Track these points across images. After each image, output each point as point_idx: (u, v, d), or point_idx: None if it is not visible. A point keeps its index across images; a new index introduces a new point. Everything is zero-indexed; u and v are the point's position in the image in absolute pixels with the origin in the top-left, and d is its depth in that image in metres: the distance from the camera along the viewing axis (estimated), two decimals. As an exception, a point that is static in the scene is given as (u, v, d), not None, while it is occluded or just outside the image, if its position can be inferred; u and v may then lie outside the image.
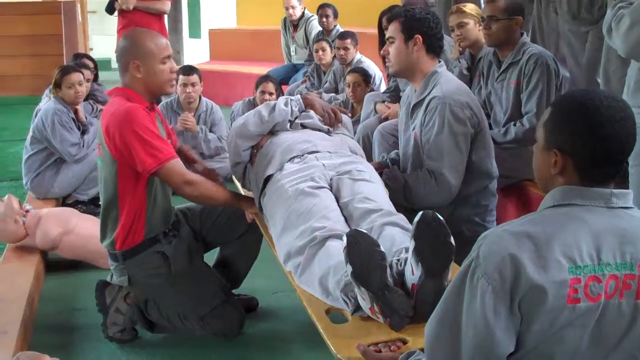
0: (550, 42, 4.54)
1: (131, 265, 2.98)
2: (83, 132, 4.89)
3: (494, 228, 1.56)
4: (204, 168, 3.33)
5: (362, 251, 2.10)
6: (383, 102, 4.82)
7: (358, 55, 6.11)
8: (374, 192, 2.74)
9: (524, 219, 1.56)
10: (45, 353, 2.17)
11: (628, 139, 1.53)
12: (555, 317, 1.45)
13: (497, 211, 3.42)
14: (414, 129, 3.20)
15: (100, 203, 3.12)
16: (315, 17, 7.57)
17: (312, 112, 3.31)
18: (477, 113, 3.13)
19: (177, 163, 2.88)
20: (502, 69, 3.88)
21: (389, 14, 4.17)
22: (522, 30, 3.86)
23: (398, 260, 2.24)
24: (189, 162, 3.32)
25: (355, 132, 4.16)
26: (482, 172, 3.22)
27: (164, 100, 5.66)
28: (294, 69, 7.99)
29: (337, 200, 2.73)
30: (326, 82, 6.56)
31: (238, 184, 3.55)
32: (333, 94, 6.10)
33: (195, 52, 11.58)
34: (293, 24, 7.95)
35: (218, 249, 3.42)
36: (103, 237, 3.02)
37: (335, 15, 7.31)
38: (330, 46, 6.51)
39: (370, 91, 5.35)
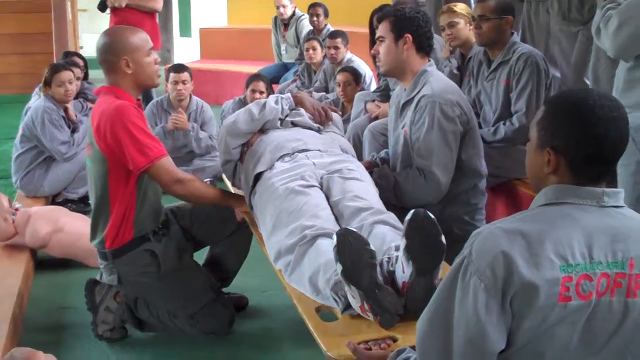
0: (539, 41, 4.56)
1: (121, 264, 2.97)
2: (73, 131, 4.88)
3: (486, 225, 1.56)
4: None
5: (352, 250, 2.10)
6: (373, 101, 4.83)
7: (348, 55, 6.12)
8: (364, 190, 2.75)
9: (516, 216, 1.56)
10: (36, 351, 2.16)
11: (621, 138, 1.54)
12: (547, 315, 1.46)
13: (487, 210, 3.43)
14: (403, 127, 3.21)
15: (90, 202, 3.11)
16: (306, 16, 7.58)
17: (302, 110, 3.32)
18: (467, 112, 3.14)
19: (168, 161, 2.88)
20: (492, 68, 3.89)
21: (380, 14, 4.18)
22: (512, 30, 3.87)
23: (389, 258, 2.25)
24: None
25: (345, 131, 4.16)
26: (471, 171, 3.23)
27: (155, 99, 5.65)
28: (285, 68, 7.99)
29: (328, 198, 2.73)
30: (316, 81, 6.56)
31: (228, 183, 3.55)
32: (323, 93, 6.10)
33: (186, 51, 11.57)
34: (284, 23, 7.95)
35: (208, 247, 3.41)
36: (93, 235, 3.01)
37: (326, 15, 7.32)
38: (321, 45, 6.52)
39: (361, 90, 5.35)
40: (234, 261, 3.38)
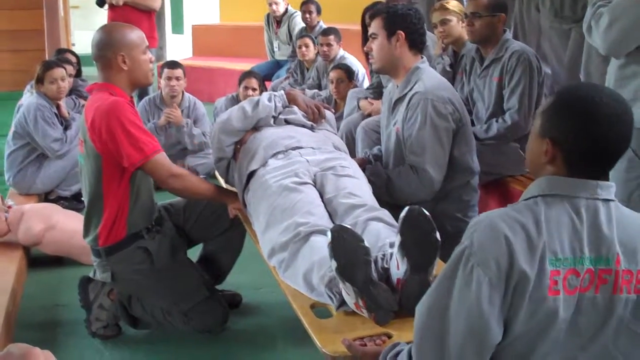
0: (531, 39, 4.57)
1: (114, 261, 2.97)
2: (66, 128, 4.86)
3: (484, 215, 1.56)
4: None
5: (346, 246, 2.11)
6: (366, 98, 4.84)
7: (341, 52, 6.13)
8: (357, 187, 2.76)
9: (514, 207, 1.56)
10: (30, 349, 2.16)
11: (622, 141, 1.54)
12: (537, 307, 1.47)
13: (479, 207, 3.44)
14: (395, 124, 3.22)
15: (82, 199, 3.11)
16: (299, 13, 7.59)
17: (295, 108, 3.32)
18: (459, 108, 3.15)
19: (163, 156, 2.88)
20: (484, 66, 3.90)
21: (372, 11, 4.18)
22: (504, 27, 3.89)
23: (383, 255, 2.25)
24: None
25: (338, 129, 4.17)
26: (463, 168, 3.24)
27: (149, 95, 5.65)
28: (277, 65, 7.99)
29: (321, 196, 2.74)
30: (309, 78, 6.57)
31: (221, 180, 3.55)
32: (316, 90, 6.11)
33: (178, 47, 11.53)
34: (276, 20, 7.96)
35: (202, 244, 3.42)
36: (86, 233, 3.01)
37: (319, 12, 7.33)
38: (314, 42, 6.53)
39: (354, 87, 5.37)
40: (227, 258, 3.38)
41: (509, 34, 3.90)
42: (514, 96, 3.75)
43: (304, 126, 3.26)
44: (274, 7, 7.80)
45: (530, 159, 1.66)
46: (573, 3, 4.14)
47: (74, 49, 8.54)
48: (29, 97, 4.89)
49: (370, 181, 2.99)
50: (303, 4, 7.37)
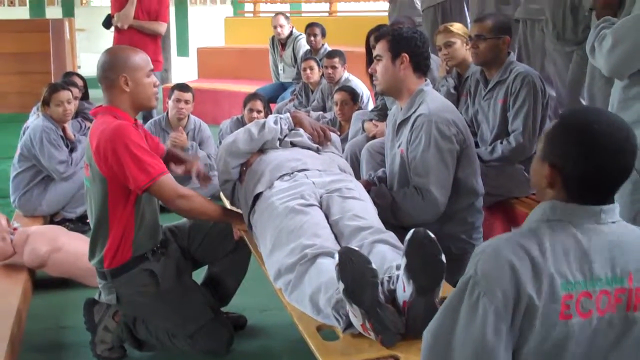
0: (535, 61, 4.60)
1: (119, 283, 2.97)
2: (71, 150, 4.89)
3: (488, 242, 1.55)
4: (197, 169, 3.34)
5: (354, 268, 2.11)
6: (371, 120, 4.84)
7: (346, 74, 6.15)
8: (363, 209, 2.76)
9: (518, 233, 1.56)
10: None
11: (621, 172, 1.53)
12: (549, 333, 1.46)
13: (484, 229, 3.43)
14: (399, 146, 3.22)
15: (88, 221, 3.12)
16: (303, 36, 7.63)
17: (301, 130, 3.33)
18: (463, 130, 3.16)
19: (169, 178, 2.89)
20: (489, 88, 3.91)
21: (377, 33, 4.21)
22: (509, 50, 3.90)
23: (389, 277, 2.25)
24: (178, 162, 3.34)
25: (343, 151, 4.18)
26: (468, 190, 3.24)
27: (154, 117, 5.68)
28: (282, 87, 8.04)
29: (327, 218, 2.74)
30: (314, 100, 6.59)
31: (226, 202, 3.56)
32: (321, 112, 6.12)
33: (183, 70, 11.62)
34: (281, 43, 8.01)
35: (206, 267, 3.42)
36: (92, 255, 3.02)
37: (323, 34, 7.37)
38: (318, 65, 6.56)
39: (358, 109, 5.38)
40: (232, 280, 3.38)
41: (513, 56, 3.92)
42: (519, 118, 3.76)
43: (309, 148, 3.27)
44: (279, 29, 7.86)
45: (534, 181, 1.66)
46: (574, 26, 4.17)
47: (79, 71, 8.62)
48: (35, 120, 4.92)
49: (375, 203, 2.99)
50: (308, 26, 7.42)
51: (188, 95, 5.43)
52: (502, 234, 1.64)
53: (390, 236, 2.59)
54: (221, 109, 8.55)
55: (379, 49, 3.19)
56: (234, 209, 3.38)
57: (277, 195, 2.84)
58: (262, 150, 3.24)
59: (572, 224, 1.53)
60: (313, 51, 7.37)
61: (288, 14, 8.41)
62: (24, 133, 4.92)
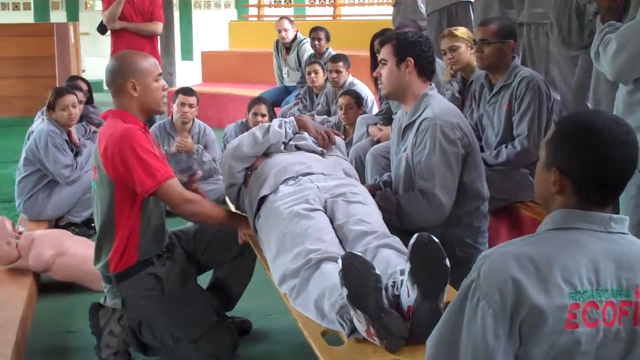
0: (540, 65, 4.59)
1: (125, 287, 2.97)
2: (76, 154, 4.90)
3: (494, 248, 1.55)
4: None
5: (357, 274, 2.11)
6: (375, 124, 4.85)
7: (350, 78, 6.16)
8: (368, 214, 2.76)
9: (524, 240, 1.56)
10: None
11: (627, 163, 1.53)
12: (554, 341, 1.46)
13: (489, 233, 3.43)
14: (405, 150, 3.23)
15: (93, 225, 3.12)
16: (308, 40, 7.65)
17: (305, 134, 3.34)
18: (468, 134, 3.16)
19: (175, 182, 2.89)
20: (493, 92, 3.91)
21: (382, 37, 4.21)
22: (513, 54, 3.90)
23: (394, 282, 2.25)
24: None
25: (347, 155, 4.18)
26: (473, 194, 3.24)
27: (158, 122, 5.69)
28: (286, 91, 8.04)
29: (332, 222, 2.74)
30: (318, 104, 6.60)
31: (232, 206, 3.56)
32: (325, 116, 6.14)
33: (188, 74, 11.64)
34: (285, 47, 8.02)
35: (212, 271, 3.42)
36: (97, 259, 3.02)
37: (328, 38, 7.38)
38: (323, 69, 6.57)
39: (363, 113, 5.38)
40: (237, 285, 3.38)
41: (517, 60, 3.92)
42: (524, 122, 3.75)
43: (314, 152, 3.28)
44: (283, 33, 7.87)
45: (539, 192, 1.65)
46: (580, 30, 4.16)
47: (84, 75, 8.64)
48: (40, 124, 4.93)
49: (380, 207, 2.99)
50: (312, 30, 7.43)
51: (192, 99, 5.45)
52: (506, 240, 1.64)
53: (395, 241, 2.59)
54: (225, 112, 8.57)
55: (384, 53, 3.20)
56: (239, 212, 3.38)
57: (282, 199, 2.84)
58: (267, 154, 3.24)
59: (581, 231, 1.53)
60: (317, 55, 7.38)
61: (292, 18, 8.41)
62: (28, 137, 4.94)
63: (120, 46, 6.50)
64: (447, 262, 2.14)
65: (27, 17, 17.42)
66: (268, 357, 3.22)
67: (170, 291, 2.99)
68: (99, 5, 19.65)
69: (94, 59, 13.41)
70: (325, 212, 2.79)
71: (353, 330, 2.19)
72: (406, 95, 3.20)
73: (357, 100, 5.45)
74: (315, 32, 7.38)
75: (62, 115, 4.78)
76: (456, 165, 3.11)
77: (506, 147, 3.83)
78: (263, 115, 5.39)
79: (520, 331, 1.46)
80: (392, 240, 2.58)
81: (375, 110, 5.66)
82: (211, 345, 3.04)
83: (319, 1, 15.55)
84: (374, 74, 3.39)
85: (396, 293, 2.22)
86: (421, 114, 3.13)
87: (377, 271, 2.17)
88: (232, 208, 3.54)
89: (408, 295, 2.13)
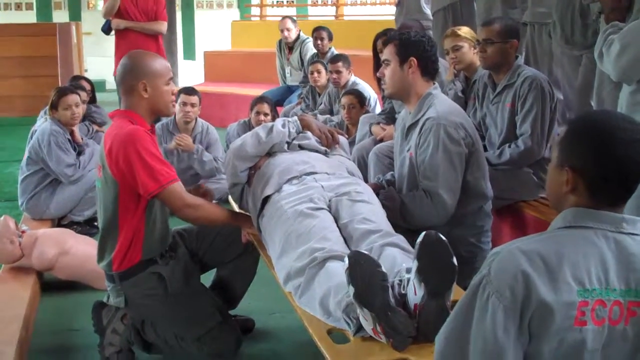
0: (543, 64, 4.60)
1: (128, 286, 2.97)
2: (79, 153, 4.90)
3: (504, 245, 1.55)
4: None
5: (363, 272, 2.11)
6: (378, 123, 4.85)
7: (353, 78, 6.15)
8: (372, 213, 2.76)
9: (535, 237, 1.56)
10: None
11: None
12: (563, 338, 1.46)
13: (493, 232, 3.43)
14: (408, 150, 3.23)
15: (96, 224, 3.12)
16: (310, 39, 7.64)
17: (309, 134, 3.34)
18: (471, 133, 3.16)
19: (178, 186, 2.88)
20: (497, 92, 3.91)
21: (385, 37, 4.21)
22: (516, 53, 3.90)
23: (400, 280, 2.25)
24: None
25: (350, 154, 4.18)
26: (476, 193, 3.24)
27: (161, 121, 5.69)
28: (289, 90, 8.05)
29: (336, 221, 2.74)
30: (321, 103, 6.60)
31: (235, 206, 3.56)
32: (328, 116, 6.13)
33: (190, 73, 11.65)
34: (288, 46, 8.02)
35: (215, 270, 3.42)
36: (100, 258, 3.02)
37: (330, 38, 7.38)
38: (325, 68, 6.56)
39: (365, 113, 5.38)
40: (240, 283, 3.38)
41: (521, 60, 3.92)
42: (527, 122, 3.75)
43: (317, 151, 3.28)
44: (286, 33, 7.87)
45: (551, 191, 1.65)
46: (583, 29, 4.16)
47: (86, 75, 8.63)
48: (42, 123, 4.93)
49: (384, 205, 3.00)
50: (315, 30, 7.43)
51: (194, 99, 5.44)
52: (510, 239, 1.64)
53: (400, 239, 2.59)
54: (228, 112, 8.57)
55: (387, 53, 3.19)
56: (242, 212, 3.38)
57: (286, 199, 2.84)
58: (270, 154, 3.24)
59: (593, 230, 1.53)
60: (320, 55, 7.37)
61: (295, 18, 8.42)
62: (31, 136, 4.94)
63: (123, 46, 6.50)
64: (455, 260, 2.15)
65: (29, 17, 17.42)
66: (271, 356, 3.22)
67: (173, 290, 2.99)
68: (101, 5, 19.67)
69: (97, 58, 13.42)
70: (330, 211, 2.79)
71: (359, 328, 2.19)
72: (410, 95, 3.20)
73: (360, 100, 5.45)
74: (317, 31, 7.38)
75: (65, 115, 4.78)
76: (460, 165, 3.11)
77: (509, 146, 3.83)
78: (265, 115, 5.38)
79: (530, 327, 1.47)
80: (397, 238, 2.59)
81: (378, 109, 5.67)
82: (214, 344, 3.04)
83: (322, 1, 15.55)
84: (378, 74, 3.39)
85: (402, 291, 2.22)
86: (425, 113, 3.13)
87: (383, 269, 2.17)
88: (236, 207, 3.54)
89: (415, 293, 2.14)
